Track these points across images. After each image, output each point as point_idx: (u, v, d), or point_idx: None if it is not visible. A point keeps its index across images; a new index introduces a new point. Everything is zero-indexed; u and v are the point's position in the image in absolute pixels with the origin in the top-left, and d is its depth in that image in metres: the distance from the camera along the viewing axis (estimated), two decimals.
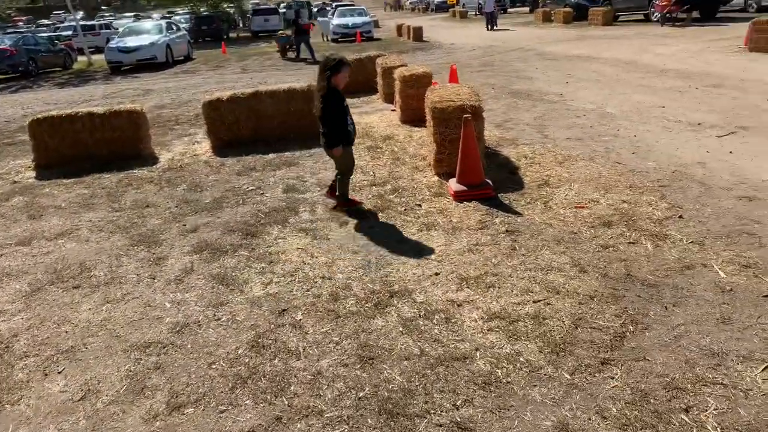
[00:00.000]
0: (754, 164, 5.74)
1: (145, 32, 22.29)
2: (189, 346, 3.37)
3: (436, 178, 5.97)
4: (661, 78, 11.08)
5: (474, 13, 42.70)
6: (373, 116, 9.80)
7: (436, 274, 3.95)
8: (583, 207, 4.93)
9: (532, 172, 5.96)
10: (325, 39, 29.60)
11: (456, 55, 18.60)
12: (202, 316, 3.69)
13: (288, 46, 21.84)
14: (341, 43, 26.66)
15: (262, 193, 6.10)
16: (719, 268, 3.73)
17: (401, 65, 10.60)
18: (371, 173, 6.43)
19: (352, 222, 5.06)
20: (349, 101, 10.90)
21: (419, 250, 4.38)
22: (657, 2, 22.04)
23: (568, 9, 27.68)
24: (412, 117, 8.63)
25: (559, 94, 10.36)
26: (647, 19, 23.93)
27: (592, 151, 6.66)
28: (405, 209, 5.25)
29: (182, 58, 23.52)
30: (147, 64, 21.02)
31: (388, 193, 5.69)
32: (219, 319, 3.63)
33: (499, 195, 5.36)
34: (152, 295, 4.04)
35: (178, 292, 4.04)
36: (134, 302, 3.96)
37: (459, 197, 5.33)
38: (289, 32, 22.33)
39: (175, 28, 24.39)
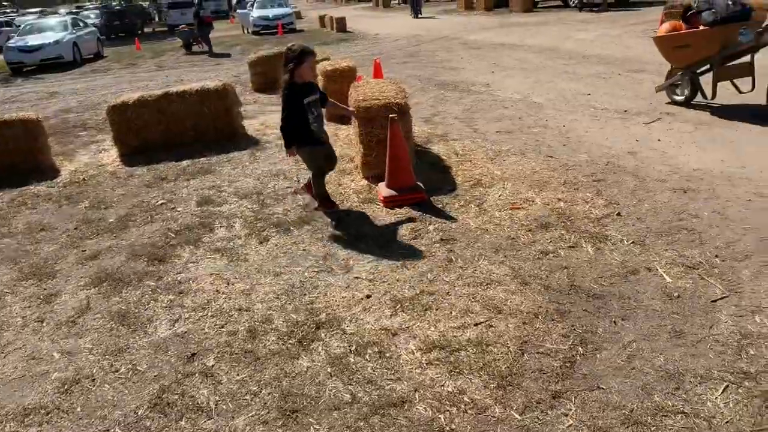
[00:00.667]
0: (683, 152, 5.65)
1: (49, 29, 20.62)
2: (79, 409, 2.82)
3: (365, 182, 5.55)
4: (584, 64, 11.09)
5: (397, 2, 42.42)
6: None
7: (368, 296, 3.55)
8: (518, 208, 4.66)
9: (464, 171, 5.65)
10: (245, 31, 28.51)
11: (381, 46, 18.21)
12: (97, 367, 3.13)
13: (192, 40, 21.16)
14: (262, 35, 25.72)
15: (174, 208, 5.50)
16: (664, 272, 3.51)
17: (324, 59, 10.10)
18: (294, 179, 5.95)
19: (274, 237, 4.58)
20: (267, 98, 10.26)
21: (348, 268, 3.96)
22: None
23: None
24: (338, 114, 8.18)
25: (486, 84, 10.16)
26: (566, 5, 24.33)
27: (522, 144, 6.42)
28: (332, 220, 4.81)
29: (92, 56, 21.99)
30: (52, 64, 19.45)
31: (314, 201, 5.23)
32: (117, 371, 3.09)
33: (431, 198, 5.02)
34: (38, 344, 3.43)
35: (69, 338, 3.46)
36: (16, 354, 3.35)
37: (389, 203, 4.94)
38: (185, 27, 21.64)
39: (82, 24, 22.75)
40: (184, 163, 6.97)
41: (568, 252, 3.88)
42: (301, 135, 4.58)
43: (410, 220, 4.63)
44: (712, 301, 3.18)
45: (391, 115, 4.87)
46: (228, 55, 19.60)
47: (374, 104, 5.34)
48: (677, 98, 7.42)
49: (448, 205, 4.87)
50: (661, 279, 3.45)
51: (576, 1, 22.29)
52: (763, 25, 6.21)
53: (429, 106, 8.90)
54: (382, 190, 5.05)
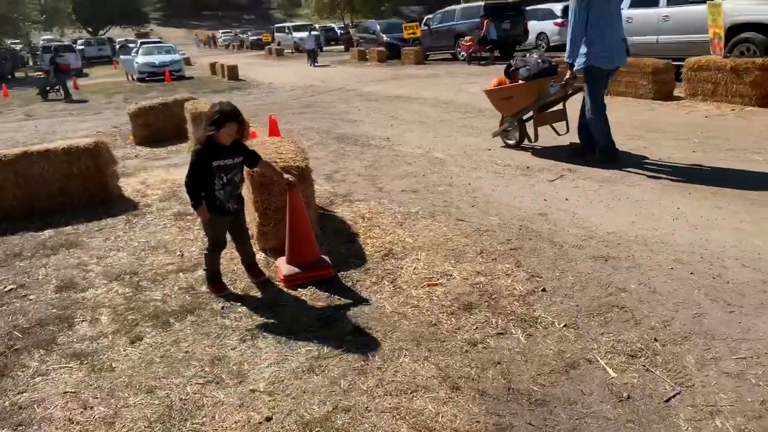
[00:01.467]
0: (593, 213, 5.47)
1: None
2: None
3: (262, 254, 4.85)
4: (480, 118, 11.11)
5: (291, 51, 42.33)
6: (183, 170, 8.30)
7: (268, 419, 2.83)
8: (435, 284, 4.16)
9: (373, 239, 5.11)
10: (130, 78, 26.92)
11: (275, 95, 17.64)
12: None
13: (49, 87, 20.44)
14: (148, 82, 24.33)
15: (25, 296, 4.48)
16: (606, 364, 3.11)
17: (189, 98, 9.35)
18: (178, 252, 5.12)
19: (150, 334, 3.74)
20: (151, 152, 9.28)
21: (242, 376, 3.22)
22: (462, 42, 23.21)
23: (381, 48, 28.25)
24: None
25: (386, 138, 9.83)
26: (455, 58, 25.16)
27: (430, 205, 6.02)
28: (223, 307, 4.05)
29: None
30: None
31: (200, 283, 4.44)
32: None
33: (339, 274, 4.41)
34: None
35: None
36: None
37: (291, 282, 4.27)
38: (42, 74, 21.02)
39: None
40: (46, 233, 5.89)
41: (497, 341, 3.39)
42: (205, 199, 3.95)
43: (318, 306, 3.98)
44: (665, 401, 2.79)
45: (288, 178, 4.24)
46: (86, 101, 18.79)
47: None
48: (510, 142, 8.50)
49: (359, 282, 4.27)
50: (604, 373, 3.03)
51: (464, 55, 23.08)
52: (564, 79, 7.15)
53: (329, 161, 8.37)
54: (283, 267, 4.37)
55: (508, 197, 6.18)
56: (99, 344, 3.66)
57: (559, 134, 8.02)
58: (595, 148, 7.22)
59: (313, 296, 4.11)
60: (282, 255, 4.55)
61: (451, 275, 4.28)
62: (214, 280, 4.27)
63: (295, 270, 4.29)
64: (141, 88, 22.28)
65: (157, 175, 8.18)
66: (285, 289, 4.24)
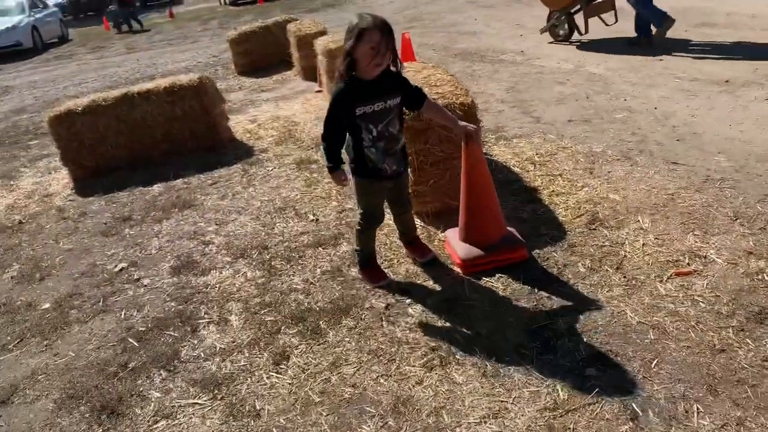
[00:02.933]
0: None
1: (3, 13, 18.09)
2: None
3: (417, 220, 3.67)
4: (632, 17, 9.06)
5: None
6: (293, 103, 7.29)
7: None
8: (688, 273, 2.81)
9: (560, 196, 3.77)
10: (222, 2, 25.92)
11: (374, 9, 15.93)
12: None
13: (121, 21, 19.55)
14: (241, 5, 23.18)
15: (138, 279, 3.60)
16: None
17: (319, 32, 8.06)
18: (311, 216, 4.05)
19: (297, 350, 2.71)
20: (255, 83, 8.18)
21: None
22: None
23: None
24: None
25: (520, 52, 8.16)
26: None
27: (618, 141, 4.54)
28: (387, 306, 2.94)
29: (56, 40, 19.53)
30: (9, 52, 17.03)
31: (347, 264, 3.35)
32: None
33: (534, 254, 3.16)
34: None
35: None
36: None
37: (472, 268, 3.08)
38: (113, 7, 19.93)
39: (41, 5, 20.13)
40: (155, 189, 5.04)
41: None
42: (353, 160, 2.82)
43: (520, 307, 2.78)
44: None
45: (465, 126, 2.92)
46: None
47: None
48: (559, 37, 8.30)
49: (567, 268, 3.00)
50: None
51: None
52: None
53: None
54: (458, 247, 3.16)
55: (721, 125, 4.56)
56: (234, 364, 2.68)
57: (607, 24, 7.83)
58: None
59: (507, 290, 2.90)
60: (450, 226, 3.35)
61: (706, 257, 2.90)
62: (369, 265, 3.15)
63: (477, 252, 3.07)
64: (235, 12, 21.20)
65: (266, 111, 7.11)
66: (464, 276, 3.06)
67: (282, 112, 6.96)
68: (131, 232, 4.29)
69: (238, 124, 6.57)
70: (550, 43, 8.39)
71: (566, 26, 8.13)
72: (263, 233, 3.91)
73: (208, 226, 4.17)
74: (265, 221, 4.09)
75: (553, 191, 3.83)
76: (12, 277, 3.93)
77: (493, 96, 6.31)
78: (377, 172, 2.83)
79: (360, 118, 2.69)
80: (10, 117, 9.34)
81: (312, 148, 5.39)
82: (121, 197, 5.01)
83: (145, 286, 3.52)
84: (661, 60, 6.67)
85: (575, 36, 8.18)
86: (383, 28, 2.54)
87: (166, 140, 5.71)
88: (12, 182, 6.00)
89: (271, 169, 5.07)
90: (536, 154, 4.49)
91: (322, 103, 6.89)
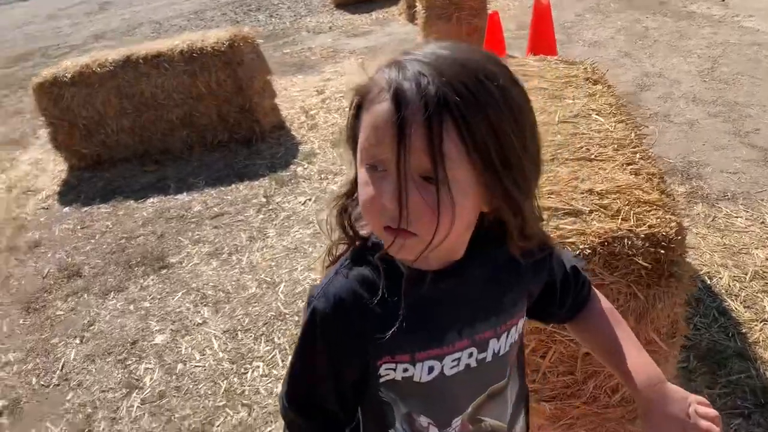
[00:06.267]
0: None
1: None
2: None
3: None
4: None
5: None
6: (384, 60, 5.16)
7: None
8: None
9: None
10: None
11: None
12: None
13: None
14: None
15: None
16: None
17: None
18: None
19: None
20: (353, 21, 6.15)
21: None
22: None
23: None
24: None
25: (721, 1, 5.31)
26: None
27: None
28: None
29: None
30: None
31: None
32: None
33: None
34: None
35: None
36: None
37: None
38: None
39: None
40: (144, 209, 3.41)
41: None
42: None
43: None
44: None
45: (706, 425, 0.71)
46: None
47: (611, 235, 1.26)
48: None
49: None
50: None
51: None
52: None
53: (621, 53, 4.44)
54: None
55: None
56: None
57: None
58: None
59: None
60: None
61: None
62: None
63: None
64: None
65: (345, 73, 5.06)
66: None
67: (364, 77, 4.90)
68: (57, 313, 2.67)
69: (300, 94, 4.67)
70: None
71: None
72: (224, 386, 2.10)
73: (155, 333, 2.43)
74: (242, 351, 2.26)
75: None
76: None
77: (677, 85, 3.84)
78: None
79: (389, 387, 0.74)
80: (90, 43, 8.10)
81: None
82: (98, 217, 3.43)
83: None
84: None
85: None
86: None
87: (185, 125, 3.97)
88: (17, 152, 4.66)
89: (302, 203, 3.18)
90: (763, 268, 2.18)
91: None
